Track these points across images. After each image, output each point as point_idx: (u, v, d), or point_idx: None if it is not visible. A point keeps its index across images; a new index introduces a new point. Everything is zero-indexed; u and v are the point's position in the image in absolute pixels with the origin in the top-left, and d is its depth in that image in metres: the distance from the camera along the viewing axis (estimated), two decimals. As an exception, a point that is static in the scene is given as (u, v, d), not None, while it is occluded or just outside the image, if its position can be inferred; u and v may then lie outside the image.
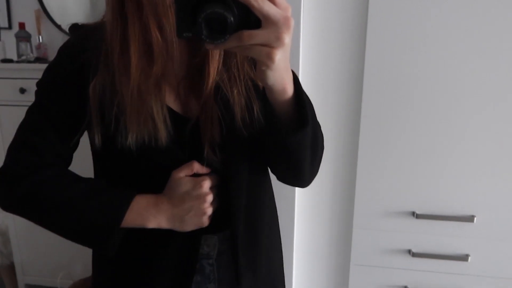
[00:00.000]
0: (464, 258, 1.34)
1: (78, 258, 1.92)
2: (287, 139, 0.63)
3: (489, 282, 1.35)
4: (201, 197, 0.68)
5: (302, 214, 1.45)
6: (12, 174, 0.66)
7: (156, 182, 0.70)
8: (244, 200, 0.73)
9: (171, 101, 0.69)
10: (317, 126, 0.71)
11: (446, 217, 1.32)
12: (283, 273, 0.93)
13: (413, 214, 1.34)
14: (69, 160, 0.73)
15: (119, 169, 0.71)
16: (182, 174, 0.68)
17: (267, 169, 0.80)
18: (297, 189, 1.37)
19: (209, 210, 0.69)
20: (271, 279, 0.83)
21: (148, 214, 0.66)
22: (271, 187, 0.86)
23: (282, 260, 0.90)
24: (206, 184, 0.69)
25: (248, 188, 0.74)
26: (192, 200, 0.67)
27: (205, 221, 0.69)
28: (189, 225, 0.68)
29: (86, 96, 0.65)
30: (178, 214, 0.67)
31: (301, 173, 0.72)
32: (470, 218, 1.31)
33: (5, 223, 2.05)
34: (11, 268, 2.08)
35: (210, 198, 0.69)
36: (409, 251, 1.37)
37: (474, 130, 1.25)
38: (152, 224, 0.67)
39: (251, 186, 0.74)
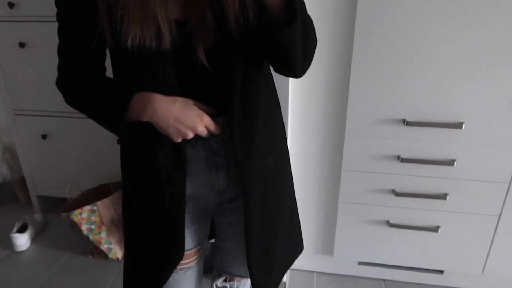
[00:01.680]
0: (450, 163, 1.40)
1: (86, 171, 2.01)
2: (279, 34, 0.69)
3: (473, 185, 1.43)
4: (194, 126, 0.76)
5: (295, 121, 1.49)
6: (61, 79, 0.82)
7: (155, 83, 0.76)
8: (239, 93, 0.79)
9: (170, 5, 0.73)
10: (307, 20, 0.75)
11: (436, 124, 1.35)
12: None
13: (404, 121, 1.37)
14: (100, 65, 0.83)
15: (126, 68, 0.78)
16: (193, 101, 0.77)
17: (263, 65, 0.84)
18: (290, 95, 1.39)
19: (190, 135, 0.77)
20: (270, 161, 0.90)
21: (141, 111, 0.75)
22: (271, 79, 0.90)
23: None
24: (207, 121, 0.78)
25: (243, 81, 0.79)
26: (184, 122, 0.75)
27: (177, 141, 0.77)
28: (170, 133, 0.76)
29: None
30: (165, 122, 0.75)
31: (294, 64, 0.77)
32: (458, 125, 1.34)
33: (11, 140, 2.12)
34: (23, 182, 2.19)
35: (199, 132, 0.77)
36: (398, 157, 1.43)
37: (464, 37, 1.24)
38: (145, 118, 0.75)
39: (246, 80, 0.80)
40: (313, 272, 1.79)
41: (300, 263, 1.78)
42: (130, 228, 0.91)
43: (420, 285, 1.72)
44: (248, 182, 0.83)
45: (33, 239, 2.00)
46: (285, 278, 1.65)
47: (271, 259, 0.97)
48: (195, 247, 0.91)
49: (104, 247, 1.82)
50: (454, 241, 1.53)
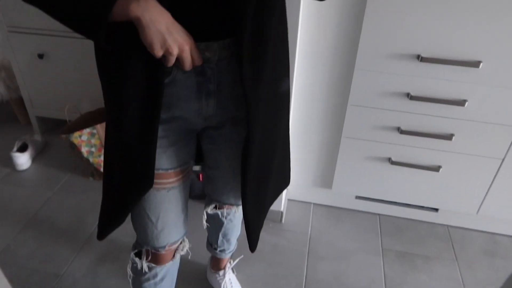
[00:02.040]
0: (461, 103, 1.35)
1: (85, 94, 1.97)
2: None
3: (481, 127, 1.39)
4: (183, 43, 0.68)
5: (303, 51, 1.41)
6: None
7: None
8: (252, 7, 0.71)
9: None
10: None
11: (452, 61, 1.28)
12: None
13: (418, 57, 1.30)
14: None
15: None
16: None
17: None
18: (300, 24, 1.30)
19: (174, 51, 0.68)
20: (274, 89, 0.86)
21: (133, 3, 0.63)
22: (284, 9, 0.83)
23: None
24: (194, 48, 0.70)
25: (258, 2, 0.71)
26: (174, 34, 0.67)
27: (158, 53, 0.67)
28: (154, 41, 0.66)
29: None
30: (154, 26, 0.65)
31: None
32: (475, 64, 1.27)
33: (7, 58, 2.04)
34: (21, 102, 2.16)
35: (184, 53, 0.69)
36: (408, 94, 1.37)
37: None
38: (134, 13, 0.64)
39: (260, 2, 0.72)
40: (310, 203, 1.83)
41: (298, 194, 1.81)
42: (107, 145, 0.87)
43: (414, 221, 1.76)
44: (254, 109, 0.79)
45: (34, 159, 2.01)
46: (282, 207, 1.68)
47: (264, 189, 0.96)
48: (178, 167, 0.87)
49: (104, 170, 1.84)
50: (453, 181, 1.53)
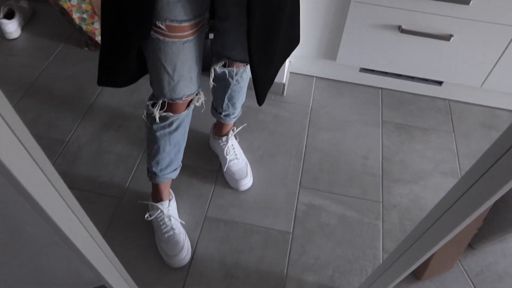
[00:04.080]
0: (466, 1, 1.24)
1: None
2: None
3: (483, 27, 1.29)
4: None
5: None
6: None
7: None
8: None
9: None
10: None
11: None
12: None
13: None
14: None
15: None
16: None
17: None
18: None
19: None
20: None
21: None
22: None
23: None
24: None
25: None
26: None
27: None
28: None
29: None
30: None
31: None
32: None
33: None
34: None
35: None
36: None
37: None
38: None
39: None
40: (313, 76, 1.79)
41: (300, 66, 1.76)
42: None
43: (416, 95, 1.75)
44: None
45: (23, 28, 1.91)
46: (284, 79, 1.65)
47: (271, 47, 0.92)
48: (193, 19, 0.84)
49: (98, 38, 1.75)
50: (462, 51, 1.48)
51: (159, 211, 1.23)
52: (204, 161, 1.47)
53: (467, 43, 1.45)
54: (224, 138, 1.39)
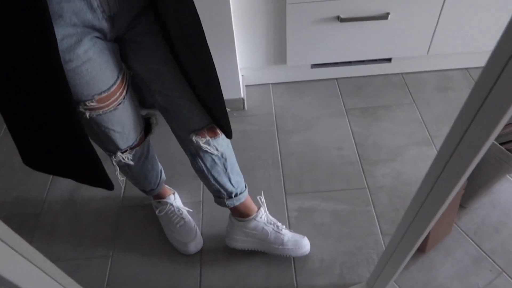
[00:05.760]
0: None
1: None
2: None
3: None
4: None
5: None
6: None
7: None
8: None
9: None
10: None
11: None
12: None
13: None
14: None
15: None
16: None
17: None
18: None
19: None
20: None
21: None
22: None
23: None
24: None
25: None
26: None
27: None
28: None
29: None
30: None
31: None
32: None
33: None
34: None
35: None
36: None
37: None
38: None
39: None
40: (268, 84, 1.80)
41: (254, 78, 1.77)
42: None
43: (370, 76, 1.79)
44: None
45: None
46: (242, 94, 1.65)
47: (214, 90, 0.87)
48: (116, 81, 0.78)
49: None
50: (402, 26, 1.53)
51: (168, 205, 1.29)
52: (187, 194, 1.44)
53: (404, 17, 1.50)
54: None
